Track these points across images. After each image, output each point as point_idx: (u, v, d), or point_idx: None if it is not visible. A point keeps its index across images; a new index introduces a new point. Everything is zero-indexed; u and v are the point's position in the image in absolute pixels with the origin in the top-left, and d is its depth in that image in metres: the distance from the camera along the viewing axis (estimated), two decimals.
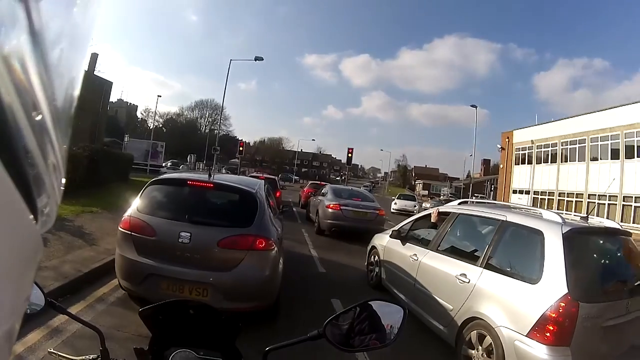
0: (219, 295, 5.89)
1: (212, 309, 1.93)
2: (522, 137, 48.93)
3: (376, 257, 9.57)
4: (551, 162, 43.23)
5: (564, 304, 4.58)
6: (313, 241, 14.80)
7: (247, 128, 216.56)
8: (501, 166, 54.41)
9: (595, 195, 36.15)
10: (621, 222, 27.80)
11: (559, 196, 41.17)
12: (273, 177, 27.58)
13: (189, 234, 6.02)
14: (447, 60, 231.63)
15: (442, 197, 64.12)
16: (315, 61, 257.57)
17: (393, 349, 3.20)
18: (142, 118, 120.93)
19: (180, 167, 55.37)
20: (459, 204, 8.46)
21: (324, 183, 28.43)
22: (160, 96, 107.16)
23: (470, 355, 5.45)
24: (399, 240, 8.54)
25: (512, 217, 5.99)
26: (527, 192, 46.11)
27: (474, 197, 36.91)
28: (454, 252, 6.72)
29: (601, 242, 5.81)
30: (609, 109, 35.62)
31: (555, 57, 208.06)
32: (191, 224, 6.16)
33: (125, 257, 6.19)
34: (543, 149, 44.87)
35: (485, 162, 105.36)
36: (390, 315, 1.78)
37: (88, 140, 35.82)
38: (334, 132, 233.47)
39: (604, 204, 34.94)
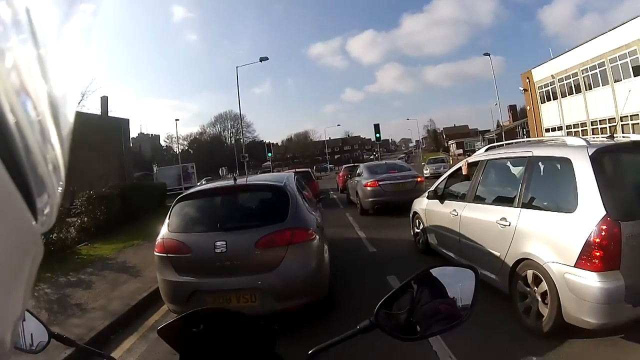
0: (268, 297, 5.82)
1: (241, 315, 1.76)
2: (541, 74, 47.51)
3: (419, 222, 9.71)
4: (576, 93, 41.89)
5: (605, 227, 4.52)
6: (358, 222, 15.08)
7: (271, 130, 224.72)
8: (528, 108, 53.18)
9: (628, 116, 34.53)
10: None
11: (592, 125, 39.91)
12: (306, 169, 28.07)
13: (224, 242, 5.98)
14: (451, 17, 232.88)
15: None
16: (322, 49, 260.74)
17: None
18: (166, 145, 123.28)
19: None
20: (486, 150, 8.34)
21: (357, 164, 28.00)
22: (178, 119, 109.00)
23: (526, 296, 5.50)
24: (437, 200, 8.72)
25: (538, 151, 6.02)
26: (560, 128, 44.71)
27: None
28: (490, 199, 6.82)
29: (633, 156, 5.66)
30: (620, 25, 34.33)
31: None
32: (224, 232, 6.13)
33: (167, 280, 6.23)
34: (565, 82, 43.41)
35: (512, 108, 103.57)
36: (457, 282, 1.53)
37: (118, 179, 37.39)
38: (357, 113, 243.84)
39: (638, 123, 33.28)
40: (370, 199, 16.92)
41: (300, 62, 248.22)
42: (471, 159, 8.30)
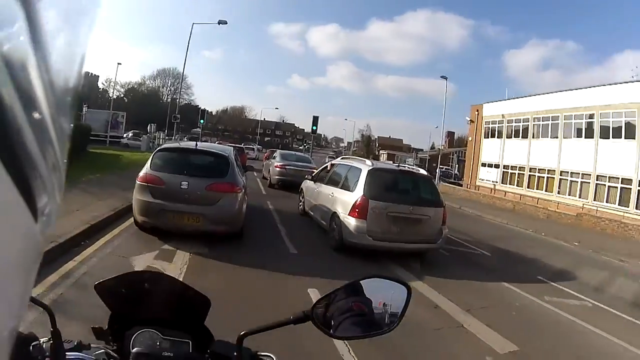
0: (207, 221, 9.67)
1: (178, 282, 1.88)
2: (492, 111, 50.47)
3: (302, 194, 16.11)
4: (522, 137, 44.76)
5: (360, 199, 10.63)
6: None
7: (210, 97, 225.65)
8: (470, 139, 56.61)
9: (568, 172, 37.93)
10: (594, 200, 33.71)
11: (530, 172, 42.93)
12: (240, 146, 39.06)
13: (187, 183, 9.73)
14: (418, 34, 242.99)
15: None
16: (282, 29, 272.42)
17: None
18: (103, 89, 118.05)
19: (141, 137, 54.56)
20: (341, 158, 15.12)
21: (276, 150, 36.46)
22: (121, 64, 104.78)
23: (333, 230, 11.40)
24: (312, 181, 15.01)
25: (354, 164, 12.34)
26: (497, 166, 48.06)
27: (406, 163, 41.63)
28: (331, 183, 13.01)
29: (393, 175, 11.88)
30: (585, 88, 37.86)
31: (528, 36, 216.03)
32: (188, 176, 9.88)
33: (144, 200, 9.76)
34: (514, 124, 46.40)
35: (450, 135, 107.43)
36: (390, 295, 1.64)
37: None
38: (298, 101, 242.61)
39: (577, 181, 36.81)
40: (276, 177, 24.42)
41: (258, 36, 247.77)
42: (333, 162, 14.70)
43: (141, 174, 10.06)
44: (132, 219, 10.70)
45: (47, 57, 0.50)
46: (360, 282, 1.61)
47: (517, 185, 43.13)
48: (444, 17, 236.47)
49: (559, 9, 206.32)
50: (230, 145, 22.34)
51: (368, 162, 12.11)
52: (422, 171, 12.64)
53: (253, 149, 65.14)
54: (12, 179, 0.48)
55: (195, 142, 12.29)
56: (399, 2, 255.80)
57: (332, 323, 1.54)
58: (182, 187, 9.60)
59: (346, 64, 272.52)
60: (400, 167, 12.60)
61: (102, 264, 7.80)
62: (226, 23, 41.12)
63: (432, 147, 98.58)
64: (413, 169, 12.84)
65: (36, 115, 0.50)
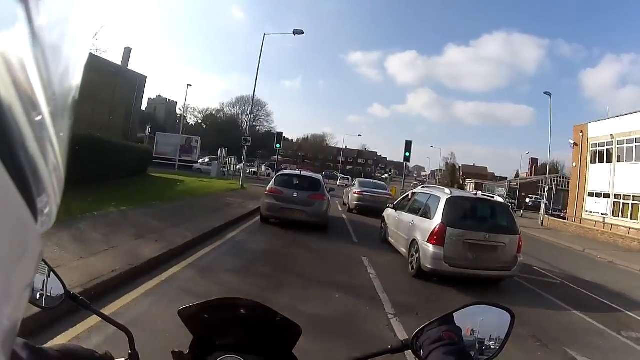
0: (307, 215, 17.06)
1: (266, 309, 1.77)
2: (598, 131, 44.92)
3: (383, 222, 17.26)
4: (636, 160, 38.62)
5: (438, 227, 11.29)
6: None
7: (291, 125, 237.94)
8: (574, 165, 50.73)
9: None
10: None
11: None
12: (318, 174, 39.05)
13: (296, 193, 17.49)
14: (495, 57, 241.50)
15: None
16: (360, 58, 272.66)
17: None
18: (181, 114, 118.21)
19: (212, 163, 56.61)
20: (421, 187, 16.39)
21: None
22: (191, 85, 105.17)
23: (412, 257, 12.13)
24: (393, 209, 16.01)
25: (434, 192, 13.11)
26: (607, 196, 42.31)
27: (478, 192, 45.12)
28: (411, 211, 13.99)
29: (470, 203, 12.38)
30: None
31: (602, 52, 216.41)
32: (296, 189, 17.74)
33: (271, 202, 17.42)
34: (626, 145, 40.40)
35: (534, 161, 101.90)
36: (492, 322, 1.54)
37: (121, 136, 37.78)
38: (378, 130, 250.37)
39: None
40: (355, 202, 27.33)
41: (336, 66, 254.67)
42: (414, 191, 15.81)
43: (268, 187, 18.03)
44: (120, 305, 6.82)
45: (47, 57, 0.51)
46: (461, 310, 1.52)
47: (632, 218, 36.99)
48: (519, 38, 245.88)
49: (630, 22, 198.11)
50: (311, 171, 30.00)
51: (447, 190, 13.10)
52: (499, 199, 13.25)
53: (348, 178, 69.10)
54: (12, 179, 0.48)
55: (299, 171, 23.58)
56: (473, 25, 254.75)
57: (422, 352, 1.46)
58: (294, 195, 17.24)
59: (425, 90, 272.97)
60: (478, 195, 13.14)
61: None
62: (302, 33, 39.60)
63: (517, 175, 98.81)
64: (488, 195, 13.69)
65: (36, 115, 0.51)
